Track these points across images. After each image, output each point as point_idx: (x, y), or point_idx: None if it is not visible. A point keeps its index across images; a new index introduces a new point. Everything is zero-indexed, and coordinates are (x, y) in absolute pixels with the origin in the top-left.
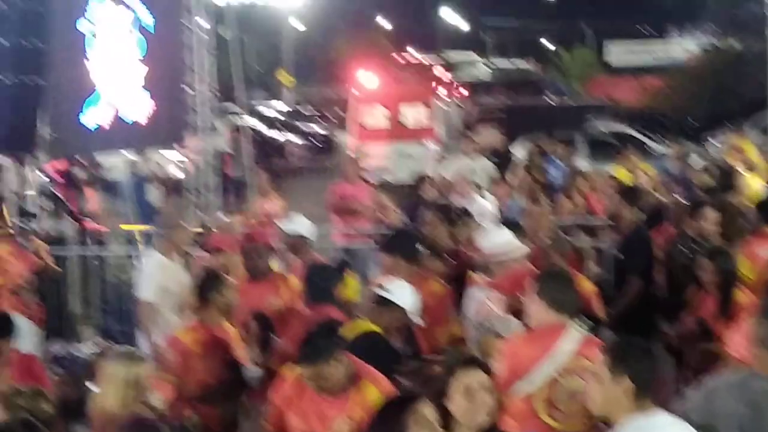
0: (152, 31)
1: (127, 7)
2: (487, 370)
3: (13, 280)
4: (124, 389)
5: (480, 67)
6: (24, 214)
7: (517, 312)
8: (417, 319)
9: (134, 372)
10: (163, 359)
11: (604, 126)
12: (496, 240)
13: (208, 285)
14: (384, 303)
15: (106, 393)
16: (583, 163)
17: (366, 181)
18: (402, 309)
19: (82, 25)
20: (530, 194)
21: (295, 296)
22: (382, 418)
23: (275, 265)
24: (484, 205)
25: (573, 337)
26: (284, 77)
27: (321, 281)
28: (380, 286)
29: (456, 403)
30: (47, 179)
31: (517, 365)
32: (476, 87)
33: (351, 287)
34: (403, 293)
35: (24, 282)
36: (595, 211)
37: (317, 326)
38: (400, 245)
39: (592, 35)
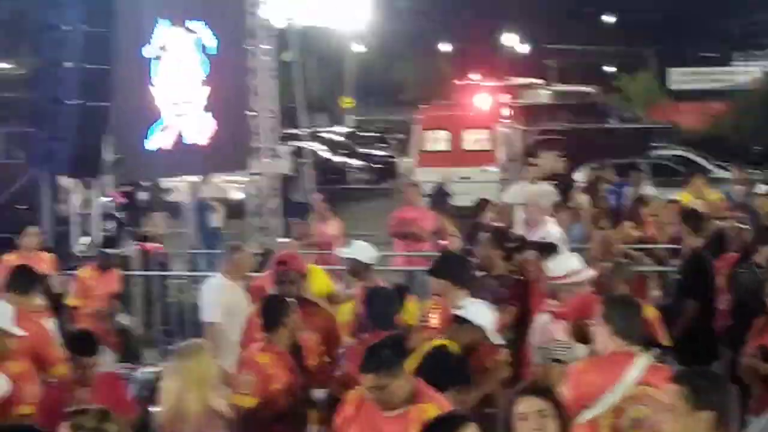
0: (216, 53)
1: (191, 30)
2: (548, 397)
3: (95, 304)
4: (193, 383)
5: (542, 92)
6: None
7: (584, 337)
8: (497, 339)
9: (202, 366)
10: (236, 381)
11: (667, 151)
12: (565, 265)
13: (276, 308)
14: (462, 322)
15: (173, 388)
16: (646, 188)
17: (427, 206)
18: (481, 328)
19: (147, 50)
20: (593, 219)
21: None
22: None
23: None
24: (553, 231)
25: (639, 364)
26: (346, 101)
27: (382, 306)
28: (458, 306)
29: (517, 430)
30: (111, 202)
31: (582, 392)
32: (538, 112)
33: (411, 312)
34: (481, 313)
35: (105, 306)
36: (657, 236)
37: (384, 338)
38: (449, 269)
39: (655, 60)
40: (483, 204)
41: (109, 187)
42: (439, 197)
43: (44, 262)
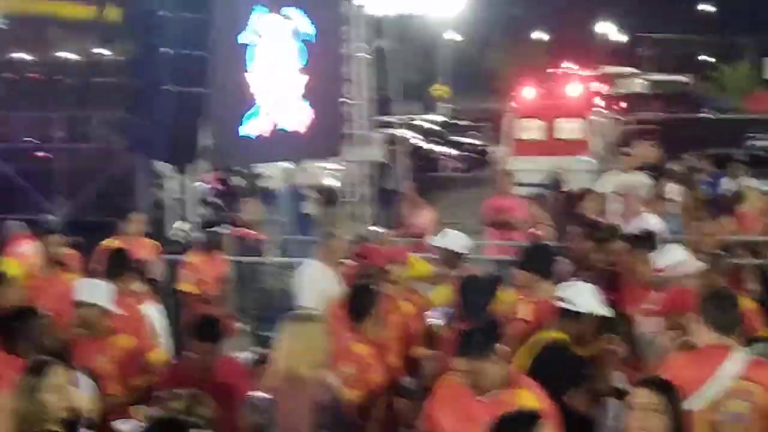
0: (313, 41)
1: (288, 17)
2: (665, 393)
3: (207, 289)
4: (307, 348)
5: (636, 81)
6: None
7: (681, 330)
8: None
9: (317, 334)
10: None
11: (764, 142)
12: (671, 257)
13: (364, 297)
14: (568, 315)
15: (287, 350)
16: (743, 179)
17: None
18: (590, 315)
19: (243, 37)
20: (688, 211)
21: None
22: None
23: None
24: (653, 222)
25: (737, 358)
26: (440, 89)
27: (475, 295)
28: (560, 298)
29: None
30: (207, 188)
31: (679, 386)
32: (633, 101)
33: (504, 301)
34: (584, 296)
35: (216, 291)
36: (755, 227)
37: (477, 323)
38: (535, 261)
39: (752, 50)
40: (582, 194)
41: (205, 172)
42: (553, 186)
43: (146, 248)
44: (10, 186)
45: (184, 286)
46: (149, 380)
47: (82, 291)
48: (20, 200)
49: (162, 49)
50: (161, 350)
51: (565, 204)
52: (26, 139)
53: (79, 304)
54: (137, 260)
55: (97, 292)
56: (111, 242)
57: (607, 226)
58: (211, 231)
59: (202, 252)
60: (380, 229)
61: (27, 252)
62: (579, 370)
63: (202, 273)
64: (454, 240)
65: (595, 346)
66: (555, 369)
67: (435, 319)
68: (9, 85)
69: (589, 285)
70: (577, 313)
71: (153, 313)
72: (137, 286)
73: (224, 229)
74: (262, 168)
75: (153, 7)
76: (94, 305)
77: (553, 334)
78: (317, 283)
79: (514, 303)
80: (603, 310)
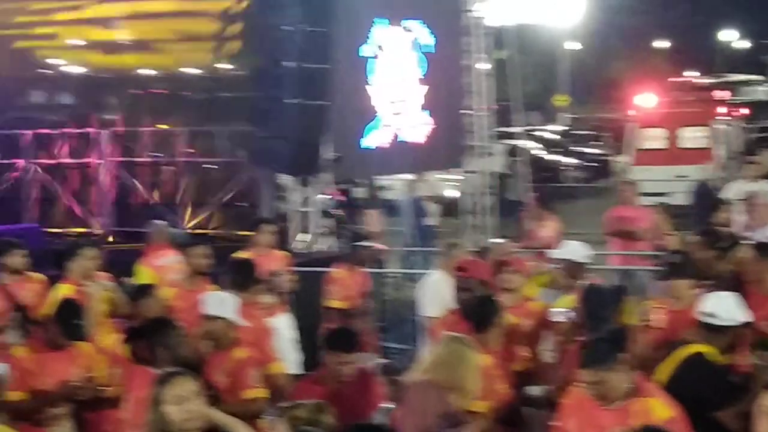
0: (433, 52)
1: (408, 29)
2: None
3: (350, 302)
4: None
5: (760, 89)
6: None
7: None
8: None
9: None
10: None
11: None
12: None
13: (488, 308)
14: (712, 327)
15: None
16: None
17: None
18: (734, 326)
19: (364, 49)
20: None
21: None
22: None
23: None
24: None
25: None
26: (560, 99)
27: (597, 306)
28: (703, 311)
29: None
30: (330, 200)
31: None
32: (756, 109)
33: (629, 312)
34: (728, 307)
35: (359, 305)
36: None
37: (602, 333)
38: (682, 270)
39: None
40: (716, 203)
41: (327, 184)
42: (704, 193)
43: (277, 260)
44: (137, 200)
45: (332, 301)
46: (268, 392)
47: (208, 304)
48: (148, 214)
49: (284, 63)
50: (283, 362)
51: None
52: (152, 153)
53: (206, 318)
54: (269, 272)
55: (222, 305)
56: (242, 254)
57: (728, 234)
58: (356, 245)
59: (347, 266)
60: (501, 240)
61: (164, 263)
62: (730, 386)
63: (347, 287)
64: (576, 250)
65: (742, 358)
66: (702, 384)
67: (559, 316)
68: (134, 101)
69: (732, 294)
70: (722, 325)
71: (282, 325)
72: (267, 297)
73: (346, 241)
74: (384, 179)
75: (275, 22)
76: (220, 318)
77: (699, 348)
78: (440, 294)
79: (646, 312)
80: (747, 318)
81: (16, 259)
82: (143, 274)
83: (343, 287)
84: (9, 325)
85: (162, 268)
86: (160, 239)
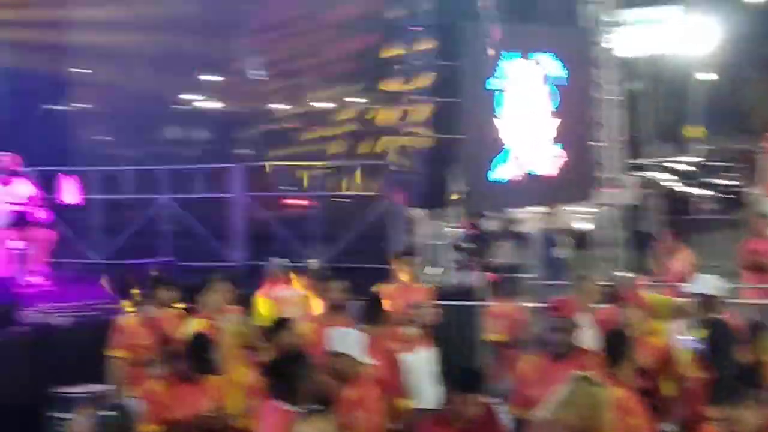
0: (564, 84)
1: (538, 63)
2: None
3: (508, 335)
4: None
5: None
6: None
7: None
8: None
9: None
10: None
11: None
12: None
13: (622, 342)
14: None
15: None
16: None
17: None
18: None
19: (492, 83)
20: None
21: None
22: None
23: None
24: None
25: None
26: (693, 130)
27: (723, 341)
28: None
29: None
30: (461, 232)
31: None
32: None
33: (765, 347)
34: None
35: (514, 337)
36: None
37: (732, 370)
38: None
39: None
40: None
41: (457, 217)
42: None
43: (418, 293)
44: (268, 234)
45: (492, 335)
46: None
47: (334, 341)
48: (278, 247)
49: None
50: (418, 397)
51: None
52: (284, 187)
53: (331, 354)
54: (409, 304)
55: (348, 341)
56: (384, 287)
57: None
58: (510, 277)
59: (501, 299)
60: (630, 274)
61: (282, 295)
62: None
63: (502, 320)
64: (710, 284)
65: None
66: None
67: (686, 344)
68: (268, 136)
69: None
70: None
71: (422, 359)
72: (407, 330)
73: (477, 274)
74: (515, 212)
75: (406, 56)
76: (345, 355)
77: None
78: None
79: None
80: None
81: (164, 293)
82: (261, 305)
83: (498, 320)
84: (155, 358)
85: (280, 299)
86: (278, 273)
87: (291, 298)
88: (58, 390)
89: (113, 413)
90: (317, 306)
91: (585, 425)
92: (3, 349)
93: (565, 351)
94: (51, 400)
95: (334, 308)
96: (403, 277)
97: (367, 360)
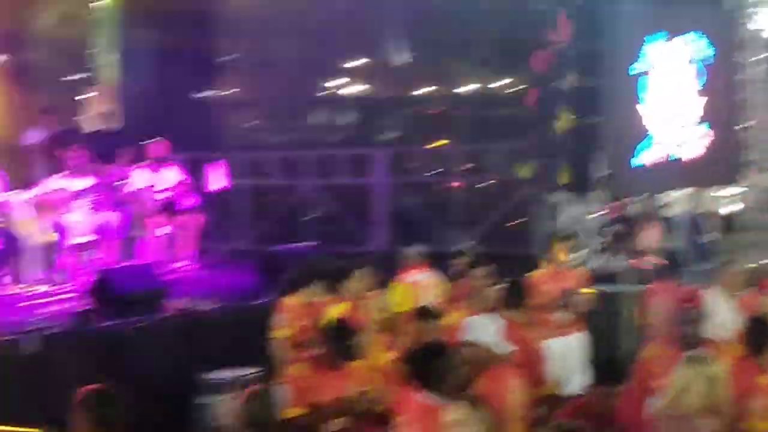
0: (711, 62)
1: (686, 43)
2: None
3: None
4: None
5: None
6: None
7: None
8: None
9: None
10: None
11: None
12: None
13: (764, 330)
14: None
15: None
16: None
17: None
18: None
19: (636, 66)
20: None
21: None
22: None
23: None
24: None
25: None
26: None
27: None
28: None
29: None
30: (604, 217)
31: None
32: None
33: None
34: None
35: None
36: None
37: None
38: None
39: None
40: None
41: (601, 202)
42: None
43: (574, 278)
44: (411, 219)
45: (644, 319)
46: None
47: (468, 329)
48: (421, 233)
49: (557, 81)
50: (568, 382)
51: None
52: (427, 173)
53: (465, 343)
54: (563, 290)
55: (484, 329)
56: (539, 273)
57: None
58: (672, 260)
59: (664, 283)
60: None
61: (420, 281)
62: None
63: (665, 303)
64: None
65: None
66: None
67: None
68: (412, 120)
69: None
70: None
71: (573, 344)
72: (561, 316)
73: (622, 259)
74: (662, 195)
75: (548, 39)
76: (479, 344)
77: None
78: (716, 314)
79: None
80: None
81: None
82: (398, 291)
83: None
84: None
85: (415, 284)
86: (414, 260)
87: (428, 283)
88: (206, 376)
89: (258, 398)
90: (455, 291)
91: (706, 405)
92: (152, 335)
93: (694, 342)
94: (198, 386)
95: (476, 294)
96: (559, 260)
97: (506, 348)
